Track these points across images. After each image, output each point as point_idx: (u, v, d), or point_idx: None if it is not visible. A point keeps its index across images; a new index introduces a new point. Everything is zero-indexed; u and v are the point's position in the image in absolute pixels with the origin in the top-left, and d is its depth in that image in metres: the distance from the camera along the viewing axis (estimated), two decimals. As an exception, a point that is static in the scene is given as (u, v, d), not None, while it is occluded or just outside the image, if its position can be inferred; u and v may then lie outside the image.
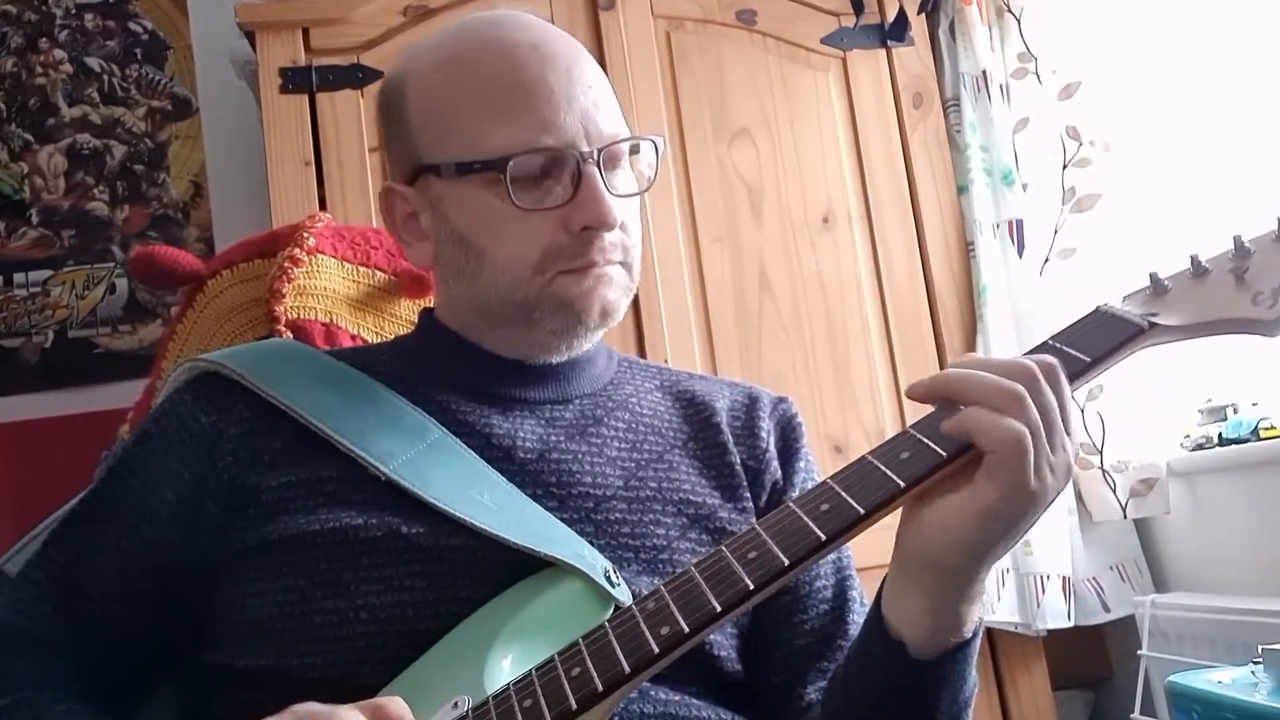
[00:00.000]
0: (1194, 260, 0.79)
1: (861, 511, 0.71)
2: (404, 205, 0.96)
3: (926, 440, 0.73)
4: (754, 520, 0.97)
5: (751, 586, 0.69)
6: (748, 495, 0.97)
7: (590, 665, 0.70)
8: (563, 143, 0.88)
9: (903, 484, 0.72)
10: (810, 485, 1.00)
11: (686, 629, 0.69)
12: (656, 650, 0.69)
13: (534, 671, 0.72)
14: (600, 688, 0.68)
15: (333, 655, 0.81)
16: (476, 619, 0.82)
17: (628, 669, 0.68)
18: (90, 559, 0.89)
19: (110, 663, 0.88)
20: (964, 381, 0.73)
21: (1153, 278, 0.79)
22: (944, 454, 0.72)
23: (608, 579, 0.81)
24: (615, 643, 0.70)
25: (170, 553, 0.88)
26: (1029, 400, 0.71)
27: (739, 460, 0.98)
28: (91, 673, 0.87)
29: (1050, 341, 0.77)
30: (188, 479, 0.89)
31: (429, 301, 1.39)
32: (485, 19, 0.95)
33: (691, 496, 0.93)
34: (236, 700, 0.79)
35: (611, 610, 0.80)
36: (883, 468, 0.73)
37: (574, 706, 0.68)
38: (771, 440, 1.01)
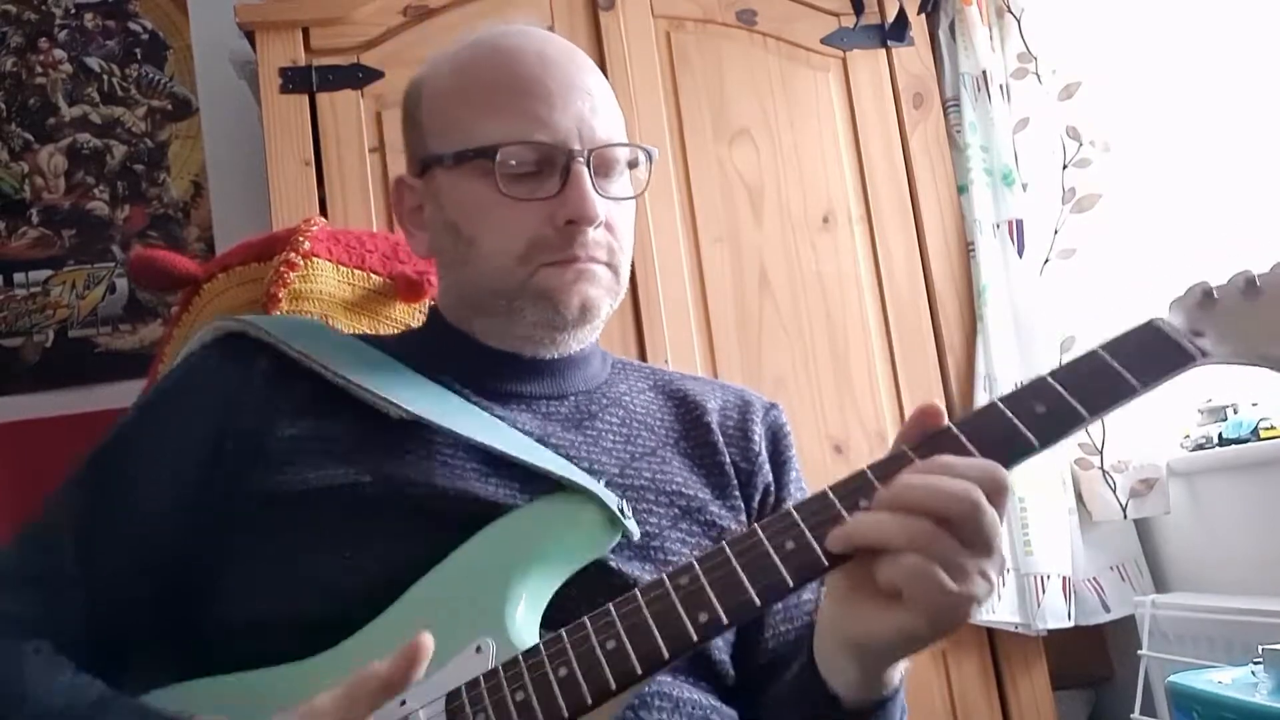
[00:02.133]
0: (1248, 277, 0.75)
1: None
2: (411, 197, 1.01)
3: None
4: (750, 518, 0.99)
5: (791, 584, 0.69)
6: (738, 494, 0.99)
7: (627, 643, 0.70)
8: (554, 139, 0.92)
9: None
10: (799, 494, 1.02)
11: (725, 619, 0.69)
12: (696, 639, 0.69)
13: (565, 636, 0.72)
14: (639, 671, 0.69)
15: (335, 605, 0.83)
16: (485, 541, 0.83)
17: (666, 653, 0.69)
18: (105, 509, 0.91)
19: (110, 612, 0.88)
20: (886, 532, 0.69)
21: (1204, 289, 0.76)
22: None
23: (620, 511, 0.85)
24: (651, 621, 0.70)
25: (184, 503, 0.90)
26: (962, 557, 0.67)
27: (729, 460, 1.00)
28: (90, 623, 0.87)
29: (1101, 353, 0.74)
30: (210, 434, 0.91)
31: (424, 306, 1.40)
32: (498, 30, 1.00)
33: (684, 489, 0.95)
34: (236, 651, 0.81)
35: (617, 538, 0.84)
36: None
37: (613, 685, 0.68)
38: (763, 445, 1.03)
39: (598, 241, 0.93)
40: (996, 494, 0.69)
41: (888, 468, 0.72)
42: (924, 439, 0.73)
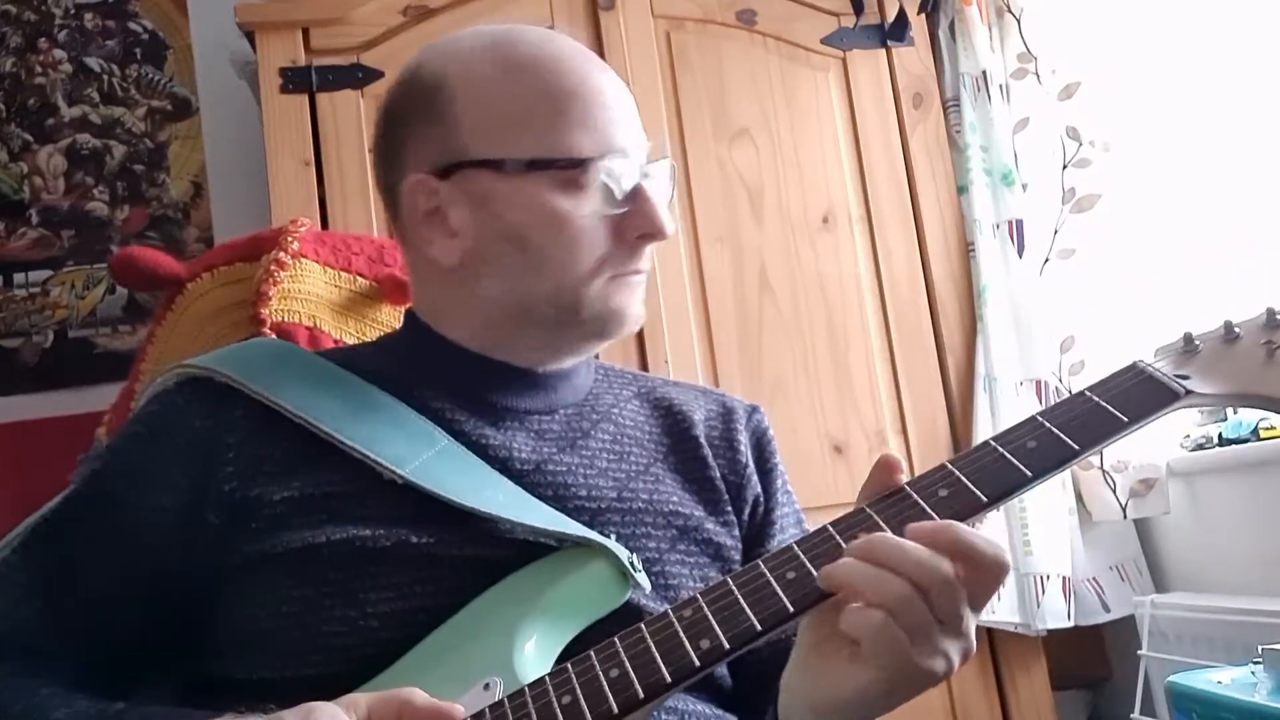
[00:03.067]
0: (1227, 325, 0.79)
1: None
2: (429, 199, 0.92)
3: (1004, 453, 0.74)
4: (742, 531, 0.98)
5: (791, 609, 0.70)
6: (730, 509, 0.98)
7: (630, 669, 0.71)
8: (631, 153, 0.91)
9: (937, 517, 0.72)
10: (787, 499, 1.02)
11: (727, 645, 0.70)
12: (698, 664, 0.70)
13: (570, 667, 0.73)
14: (641, 695, 0.69)
15: (342, 665, 0.80)
16: (497, 595, 0.83)
17: (669, 678, 0.70)
18: (78, 562, 0.87)
19: (92, 666, 0.86)
20: (862, 581, 0.68)
21: (1186, 337, 0.80)
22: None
23: (630, 564, 0.84)
24: (655, 650, 0.71)
25: (165, 561, 0.86)
26: (928, 614, 0.67)
27: (719, 474, 0.99)
28: (76, 673, 0.85)
29: (1089, 394, 0.76)
30: (185, 487, 0.86)
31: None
32: (531, 31, 0.96)
33: (680, 508, 0.94)
34: (241, 710, 0.78)
35: (628, 594, 0.83)
36: (923, 503, 0.73)
37: (615, 710, 0.69)
38: (749, 455, 1.02)
39: (648, 254, 0.94)
40: (974, 566, 0.68)
41: (887, 504, 0.74)
42: (919, 477, 0.74)
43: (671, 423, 1.01)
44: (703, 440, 1.00)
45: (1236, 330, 0.79)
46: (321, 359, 0.97)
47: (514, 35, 0.95)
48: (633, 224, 0.90)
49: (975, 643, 0.71)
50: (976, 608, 0.70)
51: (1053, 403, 1.81)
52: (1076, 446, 0.73)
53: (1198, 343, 0.79)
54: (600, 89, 0.91)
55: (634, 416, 1.00)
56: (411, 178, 0.93)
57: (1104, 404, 0.75)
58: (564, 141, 0.89)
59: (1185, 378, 0.76)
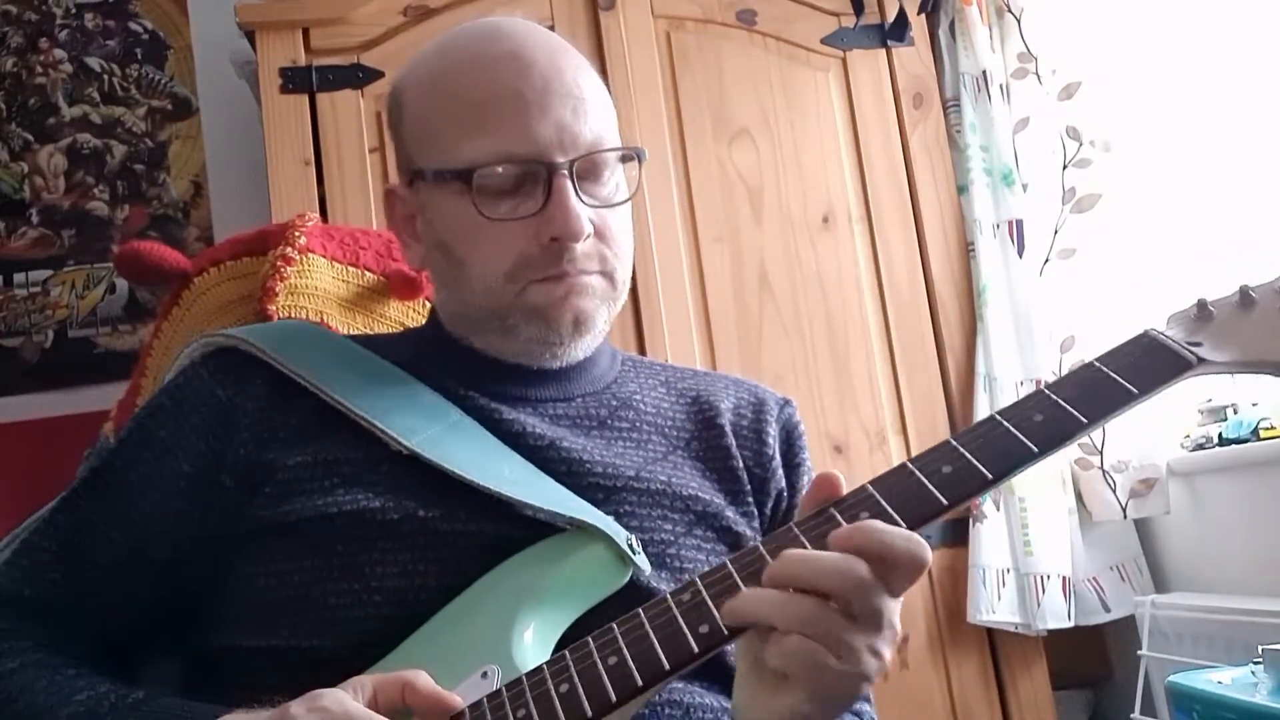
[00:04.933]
0: (1243, 289, 0.77)
1: (904, 524, 0.70)
2: (403, 207, 0.99)
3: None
4: (763, 523, 0.99)
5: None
6: (751, 499, 0.98)
7: (628, 657, 0.70)
8: (533, 153, 0.89)
9: (946, 501, 0.71)
10: None
11: (726, 630, 0.69)
12: (696, 650, 0.69)
13: (568, 654, 0.73)
14: (640, 682, 0.69)
15: (344, 636, 0.82)
16: (496, 579, 0.83)
17: (667, 665, 0.69)
18: (100, 529, 0.90)
19: (108, 635, 0.89)
20: (773, 610, 0.68)
21: (1200, 303, 0.77)
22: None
23: (629, 547, 0.84)
24: (653, 636, 0.70)
25: (183, 526, 0.89)
26: (845, 633, 0.66)
27: (743, 464, 0.99)
28: (93, 641, 0.88)
29: (1097, 365, 0.75)
30: (204, 453, 0.90)
31: (419, 303, 1.39)
32: (476, 29, 0.96)
33: (699, 494, 0.94)
34: (245, 680, 0.80)
35: (629, 577, 0.83)
36: (926, 480, 0.72)
37: (614, 699, 0.68)
38: (777, 448, 1.02)
39: (588, 254, 0.91)
40: (890, 565, 0.67)
41: (889, 481, 0.73)
42: (924, 454, 0.73)
43: (696, 411, 1.02)
44: (728, 430, 1.00)
45: (1253, 295, 0.76)
46: (346, 340, 1.02)
47: (455, 40, 0.96)
48: (545, 227, 0.89)
49: (900, 628, 0.70)
50: (896, 595, 0.68)
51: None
52: (1084, 419, 0.71)
53: (1212, 308, 0.77)
54: (511, 89, 0.89)
55: (657, 404, 1.01)
56: (389, 185, 1.01)
57: (1112, 374, 0.73)
58: (456, 152, 0.90)
59: (1198, 345, 0.74)
